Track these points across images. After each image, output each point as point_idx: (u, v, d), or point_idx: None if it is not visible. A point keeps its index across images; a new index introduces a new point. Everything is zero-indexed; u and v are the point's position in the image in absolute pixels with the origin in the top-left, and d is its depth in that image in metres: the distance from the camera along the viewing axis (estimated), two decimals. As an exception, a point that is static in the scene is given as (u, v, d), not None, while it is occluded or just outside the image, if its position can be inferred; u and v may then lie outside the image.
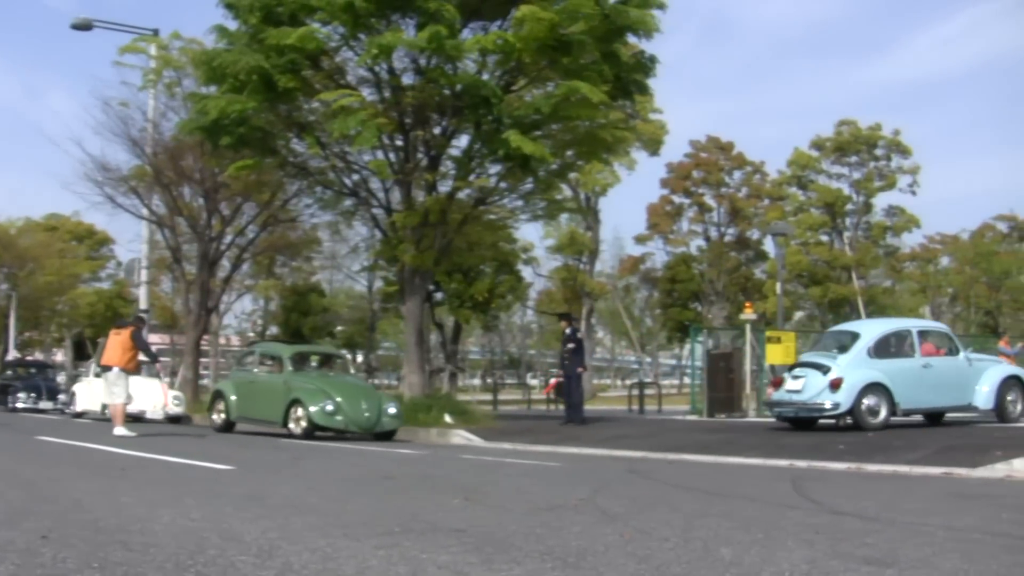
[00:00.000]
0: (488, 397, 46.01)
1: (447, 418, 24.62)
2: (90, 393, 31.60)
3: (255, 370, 25.55)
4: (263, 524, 7.31)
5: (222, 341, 71.02)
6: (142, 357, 22.19)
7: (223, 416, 25.04)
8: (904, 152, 71.75)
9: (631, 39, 26.78)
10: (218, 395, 25.89)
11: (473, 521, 7.73)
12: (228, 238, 41.34)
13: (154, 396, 28.68)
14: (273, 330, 68.56)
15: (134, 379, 23.30)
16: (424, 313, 32.79)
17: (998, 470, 13.03)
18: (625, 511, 8.57)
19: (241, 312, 74.99)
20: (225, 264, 43.90)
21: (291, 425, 22.70)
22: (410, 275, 27.74)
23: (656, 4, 25.59)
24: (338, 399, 22.41)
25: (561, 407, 25.79)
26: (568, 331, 25.80)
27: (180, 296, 47.87)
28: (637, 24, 25.12)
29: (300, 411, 22.50)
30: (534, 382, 71.78)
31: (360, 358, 69.14)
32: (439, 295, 50.16)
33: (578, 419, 24.83)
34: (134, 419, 25.93)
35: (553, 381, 28.38)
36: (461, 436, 22.33)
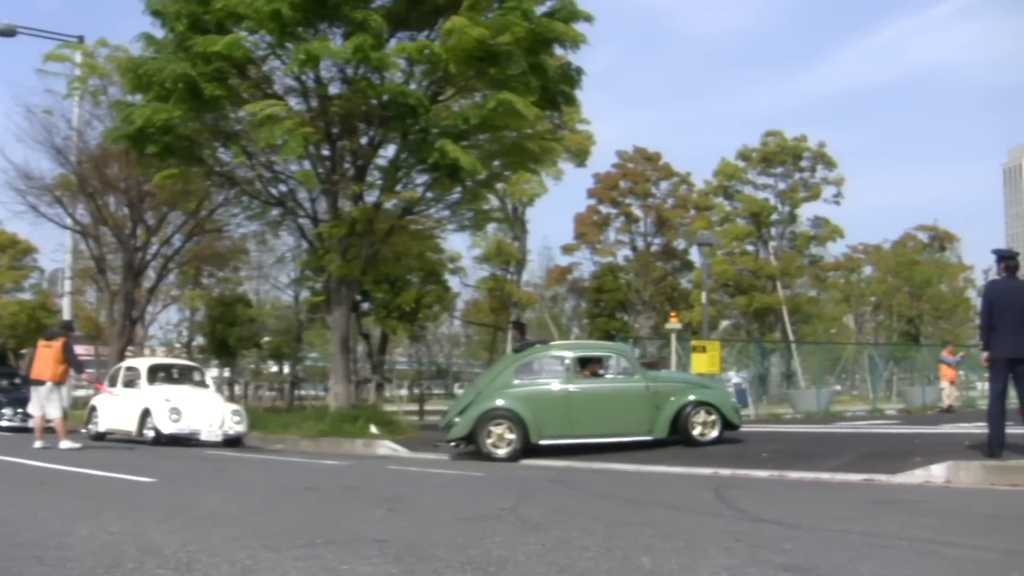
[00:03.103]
0: (415, 408, 45.92)
1: (373, 429, 24.58)
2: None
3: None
4: (183, 536, 7.26)
5: (147, 352, 70.34)
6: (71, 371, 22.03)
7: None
8: (829, 164, 72.45)
9: (558, 51, 26.90)
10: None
11: (396, 532, 7.73)
12: (154, 248, 41.02)
13: (211, 413, 24.71)
14: (199, 341, 67.96)
15: (184, 394, 25.03)
16: (350, 323, 32.66)
17: (917, 476, 13.19)
18: (547, 520, 8.59)
19: (167, 323, 74.27)
20: (150, 274, 43.62)
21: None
22: (336, 285, 27.66)
23: (583, 16, 25.71)
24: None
25: None
26: (519, 342, 25.88)
27: (104, 307, 47.42)
28: (564, 36, 25.23)
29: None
30: (461, 393, 71.81)
31: (287, 369, 68.68)
32: (366, 305, 49.86)
33: None
34: (184, 442, 23.82)
35: None
36: (387, 447, 22.30)
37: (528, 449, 19.02)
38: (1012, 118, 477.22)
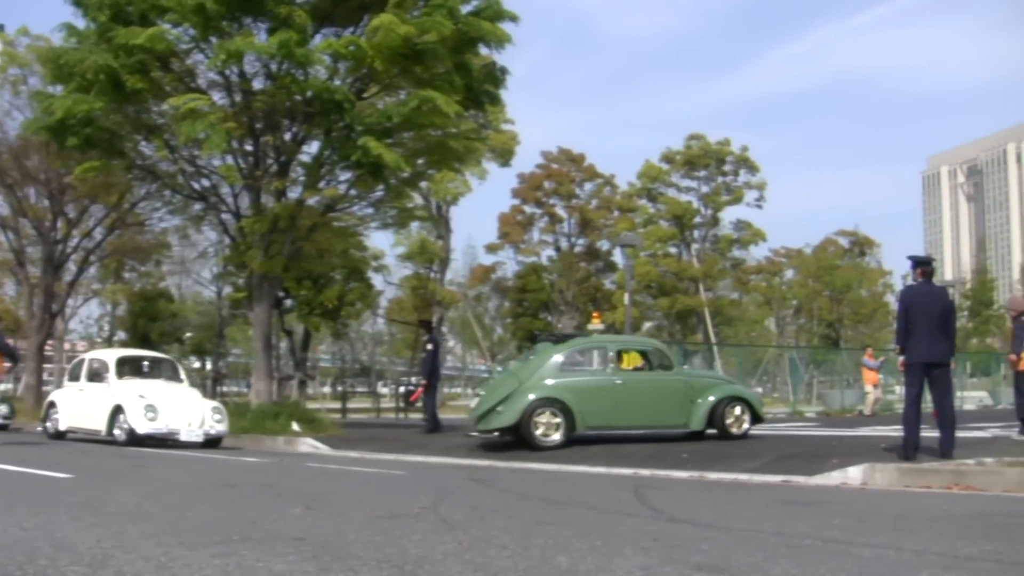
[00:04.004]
0: (338, 405, 45.79)
1: (294, 426, 24.49)
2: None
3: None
4: (98, 533, 7.19)
5: (67, 346, 69.57)
6: (7, 363, 21.43)
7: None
8: (752, 168, 73.24)
9: (483, 50, 26.94)
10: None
11: (313, 529, 7.70)
12: (74, 241, 40.71)
13: (190, 412, 22.83)
14: (121, 335, 67.34)
15: (160, 390, 23.23)
16: (273, 320, 32.52)
17: (834, 478, 13.34)
18: (466, 519, 8.59)
19: (87, 317, 73.58)
20: (71, 267, 43.20)
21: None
22: (258, 281, 27.53)
23: (509, 16, 25.80)
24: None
25: (417, 416, 25.74)
26: (424, 339, 25.88)
27: (24, 300, 46.88)
28: (489, 35, 25.32)
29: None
30: (384, 391, 71.53)
31: (209, 365, 68.24)
32: (288, 302, 49.71)
33: (428, 428, 24.79)
34: (161, 443, 22.09)
35: (419, 389, 28.24)
36: (308, 444, 22.23)
37: (572, 439, 19.22)
38: (931, 127, 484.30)
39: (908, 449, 13.88)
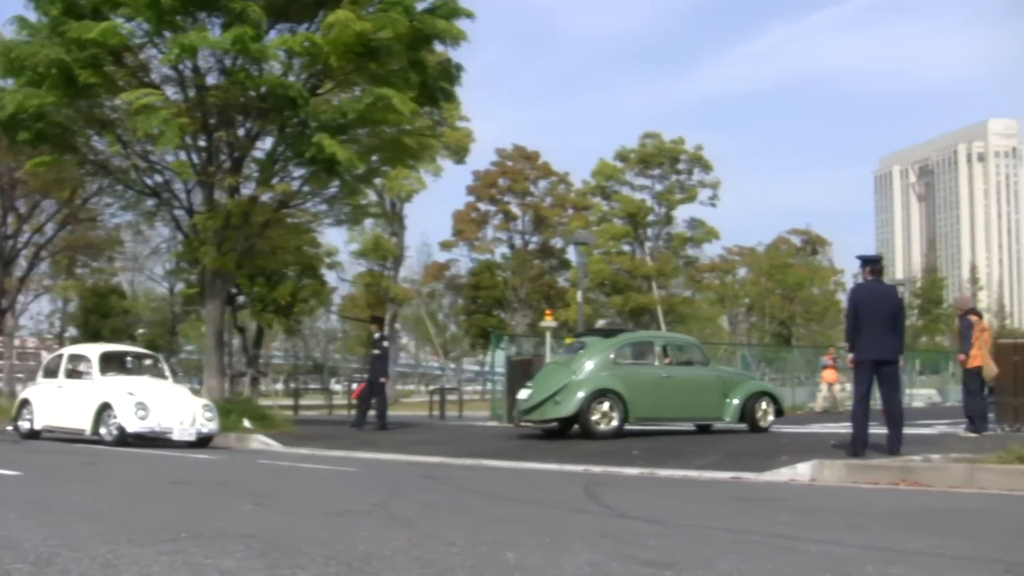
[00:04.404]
0: (290, 402, 45.67)
1: (246, 423, 24.38)
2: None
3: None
4: (45, 531, 7.17)
5: (17, 343, 69.00)
6: None
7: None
8: (705, 167, 73.44)
9: (439, 47, 26.94)
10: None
11: (262, 526, 7.70)
12: (25, 236, 40.38)
13: (181, 409, 21.78)
14: (72, 332, 66.85)
15: (149, 387, 22.14)
16: (226, 317, 32.41)
17: (783, 474, 13.43)
18: (416, 516, 8.62)
19: (38, 313, 72.90)
20: (21, 263, 42.84)
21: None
22: (211, 278, 27.39)
23: (464, 13, 25.82)
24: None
25: (370, 413, 25.61)
26: (376, 336, 25.78)
27: (-28, 296, 46.46)
28: (445, 33, 25.31)
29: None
30: (337, 388, 71.44)
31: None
32: (241, 298, 49.54)
33: (380, 424, 24.76)
34: (152, 442, 20.97)
35: (361, 385, 28.09)
36: (260, 441, 22.15)
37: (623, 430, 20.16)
38: (884, 127, 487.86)
39: (857, 446, 14.00)
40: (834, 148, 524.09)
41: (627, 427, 20.27)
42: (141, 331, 67.69)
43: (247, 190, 27.27)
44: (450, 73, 27.39)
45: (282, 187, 27.37)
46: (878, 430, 14.50)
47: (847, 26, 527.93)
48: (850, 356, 14.60)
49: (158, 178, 28.25)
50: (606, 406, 20.03)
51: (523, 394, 21.83)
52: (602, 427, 19.91)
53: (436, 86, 26.96)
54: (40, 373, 25.51)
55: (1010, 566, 6.08)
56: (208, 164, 26.61)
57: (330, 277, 59.32)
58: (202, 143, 26.78)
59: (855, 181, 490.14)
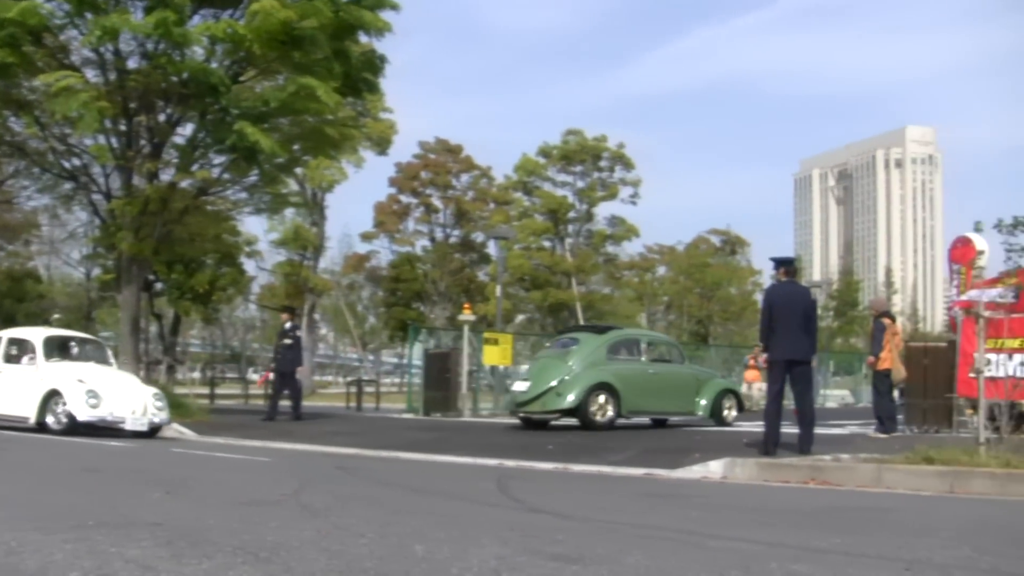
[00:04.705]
0: (207, 391, 45.30)
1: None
2: None
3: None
4: (-53, 517, 7.09)
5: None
6: None
7: None
8: (627, 164, 73.62)
9: (363, 38, 26.87)
10: None
11: (171, 515, 7.65)
12: (-63, 218, 39.70)
13: (133, 398, 20.85)
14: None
15: (98, 374, 21.10)
16: (143, 303, 32.09)
17: (695, 471, 13.53)
18: (327, 507, 8.60)
19: (-51, 296, 71.86)
20: (-67, 245, 42.19)
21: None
22: (128, 264, 27.12)
23: (390, 5, 25.75)
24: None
25: (286, 403, 25.41)
26: (287, 325, 25.60)
27: None
28: (369, 23, 25.25)
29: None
30: (255, 377, 71.04)
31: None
32: (159, 285, 49.04)
33: (294, 415, 24.62)
34: (101, 431, 20.12)
35: (266, 374, 27.83)
36: (174, 429, 21.91)
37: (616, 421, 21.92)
38: (805, 130, 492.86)
39: (768, 444, 14.13)
40: (755, 150, 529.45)
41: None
42: (56, 316, 66.81)
43: (166, 176, 27.02)
44: (374, 64, 27.32)
45: (202, 174, 27.16)
46: (791, 429, 14.65)
47: (772, 29, 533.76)
48: (764, 356, 14.75)
49: (76, 161, 27.93)
50: (602, 399, 21.52)
51: (521, 386, 23.05)
52: (599, 419, 21.38)
53: (359, 77, 26.88)
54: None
55: (910, 564, 6.18)
56: (127, 149, 26.33)
57: (249, 266, 58.85)
58: (122, 127, 26.48)
59: (775, 183, 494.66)
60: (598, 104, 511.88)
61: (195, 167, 26.90)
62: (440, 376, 29.23)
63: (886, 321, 19.29)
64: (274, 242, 62.35)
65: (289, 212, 54.92)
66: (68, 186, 29.75)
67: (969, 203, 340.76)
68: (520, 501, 9.77)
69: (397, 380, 79.79)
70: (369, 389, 39.44)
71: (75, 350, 22.81)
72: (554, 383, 21.68)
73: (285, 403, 25.36)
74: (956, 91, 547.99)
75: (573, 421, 22.09)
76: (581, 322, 69.16)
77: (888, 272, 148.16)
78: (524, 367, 43.43)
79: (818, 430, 15.16)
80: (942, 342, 23.25)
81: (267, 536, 6.65)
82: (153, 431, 20.80)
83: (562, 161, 73.42)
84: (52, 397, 20.44)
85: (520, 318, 77.29)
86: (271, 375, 26.44)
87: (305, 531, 6.97)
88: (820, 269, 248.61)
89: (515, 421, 23.76)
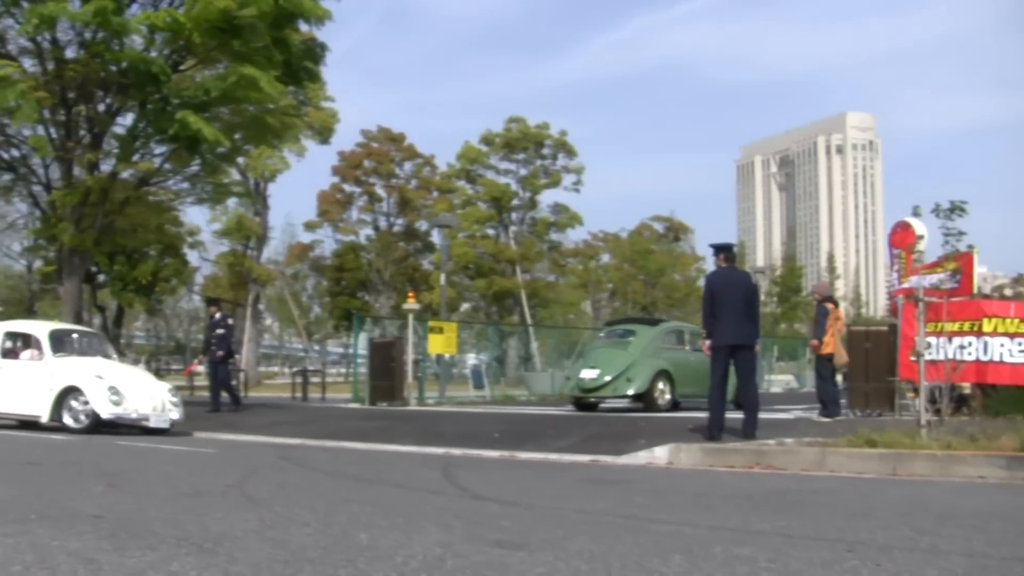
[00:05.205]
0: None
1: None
2: None
3: None
4: None
5: None
6: None
7: None
8: (569, 152, 73.73)
9: (303, 27, 26.78)
10: None
11: (113, 507, 7.61)
12: None
13: (154, 396, 19.89)
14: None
15: (116, 372, 20.15)
16: (85, 295, 31.89)
17: (640, 457, 13.58)
18: (270, 497, 8.59)
19: None
20: None
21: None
22: (69, 255, 26.94)
23: (329, -8, 25.73)
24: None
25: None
26: (217, 316, 25.45)
27: None
28: (309, 12, 25.22)
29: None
30: (200, 369, 70.80)
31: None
32: (101, 277, 48.75)
33: (233, 406, 24.46)
34: (127, 429, 19.30)
35: (195, 364, 27.54)
36: (116, 422, 21.73)
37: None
38: (746, 117, 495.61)
39: (713, 430, 14.20)
40: (697, 137, 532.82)
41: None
42: None
43: (107, 166, 26.89)
44: (314, 53, 27.28)
45: (143, 164, 27.03)
46: (735, 414, 14.73)
47: (710, 15, 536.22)
48: (706, 342, 14.82)
49: (15, 152, 27.74)
50: (662, 384, 24.27)
51: (590, 373, 24.90)
52: (660, 402, 24.06)
53: (300, 65, 26.82)
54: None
55: (852, 545, 6.23)
56: (67, 139, 26.15)
57: (192, 257, 58.58)
58: (60, 118, 26.31)
59: (717, 169, 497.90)
60: (539, 91, 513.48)
61: (136, 157, 26.78)
62: (385, 365, 29.14)
63: (829, 306, 19.43)
64: (217, 232, 62.11)
65: (232, 202, 54.76)
66: (7, 177, 29.52)
67: (909, 188, 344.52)
68: (465, 489, 9.78)
69: (343, 370, 79.69)
70: (315, 379, 39.33)
71: (77, 344, 21.65)
72: (623, 370, 24.09)
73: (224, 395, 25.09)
74: (893, 77, 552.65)
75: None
76: (526, 311, 69.38)
77: (831, 257, 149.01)
78: (468, 355, 43.66)
79: (763, 415, 15.27)
80: (883, 326, 23.43)
81: (211, 527, 6.63)
82: (172, 428, 19.83)
83: (504, 149, 73.40)
84: (69, 394, 19.45)
85: (465, 306, 77.35)
86: (198, 366, 26.08)
87: (249, 521, 6.95)
88: (763, 255, 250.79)
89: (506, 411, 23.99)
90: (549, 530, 6.88)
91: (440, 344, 31.09)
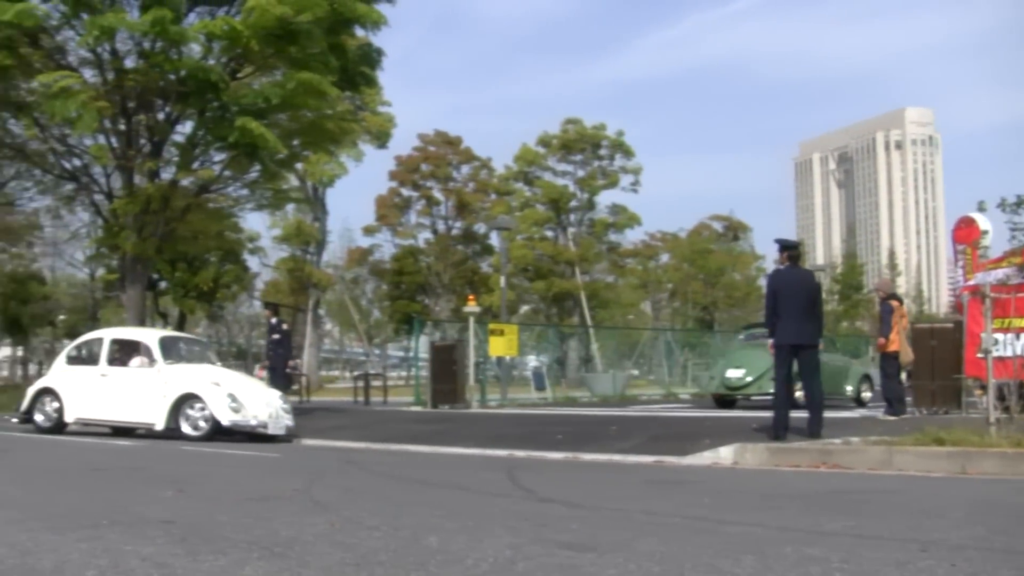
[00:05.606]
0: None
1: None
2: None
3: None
4: (-40, 518, 7.08)
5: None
6: None
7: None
8: (627, 153, 73.44)
9: (359, 32, 26.88)
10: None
11: (183, 512, 7.65)
12: (-60, 221, 39.74)
13: (270, 403, 19.63)
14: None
15: (230, 380, 19.99)
16: (147, 302, 32.15)
17: (705, 458, 13.52)
18: (337, 501, 8.61)
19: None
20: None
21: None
22: (131, 263, 27.16)
23: (385, -2, 25.84)
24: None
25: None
26: (273, 321, 25.58)
27: None
28: (365, 17, 25.30)
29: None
30: (263, 374, 71.14)
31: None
32: (163, 284, 49.13)
33: None
34: (248, 437, 19.00)
35: (259, 371, 27.71)
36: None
37: None
38: (804, 113, 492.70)
39: (778, 429, 14.11)
40: (755, 134, 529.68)
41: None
42: (62, 317, 66.96)
43: (167, 174, 27.08)
44: (371, 58, 27.38)
45: (204, 172, 27.21)
46: (799, 414, 14.63)
47: (767, 12, 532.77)
48: (770, 341, 14.73)
49: (76, 162, 28.02)
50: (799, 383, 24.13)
51: (736, 372, 26.18)
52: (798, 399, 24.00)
53: (356, 71, 26.96)
54: (62, 360, 22.22)
55: (925, 545, 6.17)
56: (127, 148, 26.38)
57: (252, 262, 58.96)
58: (121, 127, 26.56)
59: (776, 167, 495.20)
60: (593, 91, 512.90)
61: (195, 165, 26.96)
62: (446, 368, 29.14)
63: (894, 303, 19.27)
64: (276, 238, 62.48)
65: (290, 208, 55.02)
66: (69, 187, 29.86)
67: (970, 183, 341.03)
68: (530, 491, 9.76)
69: (403, 373, 79.83)
70: (376, 383, 39.41)
71: (186, 350, 21.51)
72: (765, 370, 23.72)
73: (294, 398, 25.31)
74: (952, 70, 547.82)
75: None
76: (586, 312, 69.30)
77: (891, 254, 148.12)
78: (529, 357, 43.73)
79: (827, 413, 15.15)
80: (948, 323, 23.20)
81: (280, 531, 6.65)
82: (289, 436, 19.49)
83: (562, 150, 73.25)
84: (185, 402, 19.22)
85: (524, 308, 77.27)
86: (264, 372, 26.26)
87: (317, 525, 6.96)
88: (823, 253, 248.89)
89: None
90: (617, 532, 6.86)
91: (501, 346, 31.08)
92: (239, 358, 78.88)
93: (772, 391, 23.70)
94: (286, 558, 5.65)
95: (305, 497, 8.81)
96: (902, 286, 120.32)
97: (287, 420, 19.66)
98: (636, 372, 50.59)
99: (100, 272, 57.48)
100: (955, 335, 19.82)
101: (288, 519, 7.27)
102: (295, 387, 25.84)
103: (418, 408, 29.16)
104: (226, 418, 18.65)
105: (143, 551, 5.80)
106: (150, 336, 21.29)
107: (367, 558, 5.67)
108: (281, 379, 25.13)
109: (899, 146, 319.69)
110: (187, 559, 5.58)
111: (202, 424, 18.89)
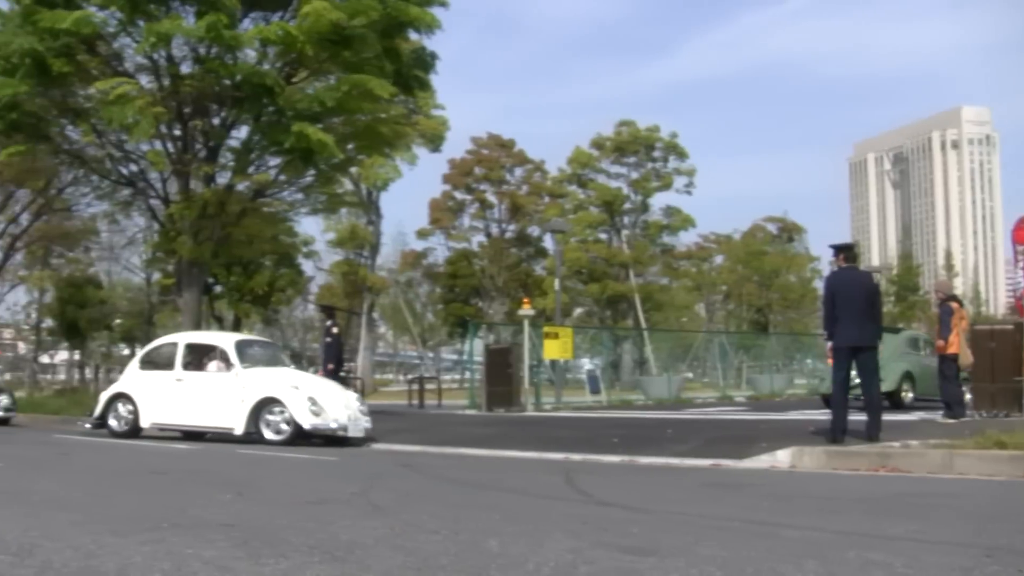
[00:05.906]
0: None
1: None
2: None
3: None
4: (25, 522, 7.12)
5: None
6: None
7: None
8: (680, 154, 73.31)
9: (412, 35, 26.93)
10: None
11: (243, 516, 7.67)
12: (0, 226, 40.11)
13: (349, 406, 19.61)
14: (48, 323, 66.53)
15: (310, 383, 20.08)
16: (203, 306, 32.32)
17: (763, 461, 13.46)
18: (396, 504, 8.61)
19: (14, 304, 72.49)
20: (-3, 253, 42.64)
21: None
22: (187, 268, 27.35)
23: (438, 2, 25.83)
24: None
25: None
26: (328, 323, 25.73)
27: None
28: (418, 20, 25.35)
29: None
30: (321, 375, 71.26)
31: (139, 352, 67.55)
32: (218, 288, 49.38)
33: None
34: (328, 441, 18.96)
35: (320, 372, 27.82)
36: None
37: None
38: (858, 113, 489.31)
39: (836, 432, 14.01)
40: (808, 134, 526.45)
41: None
42: (118, 321, 67.41)
43: (222, 179, 27.27)
44: (424, 61, 27.44)
45: (259, 176, 27.34)
46: (857, 416, 14.53)
47: (819, 12, 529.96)
48: (828, 344, 14.64)
49: (133, 167, 28.24)
50: (906, 384, 26.54)
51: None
52: (904, 400, 26.08)
53: (410, 74, 27.00)
54: (136, 365, 22.31)
55: (990, 550, 6.10)
56: (183, 153, 26.57)
57: (307, 266, 59.10)
58: (177, 132, 26.76)
59: (830, 168, 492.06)
60: (646, 93, 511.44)
61: (251, 169, 27.09)
62: (501, 371, 29.14)
63: (953, 305, 19.08)
64: (331, 242, 62.75)
65: (344, 212, 55.26)
66: (126, 192, 30.09)
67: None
68: (589, 495, 9.74)
69: (458, 376, 79.88)
70: (430, 386, 39.46)
71: (261, 354, 21.70)
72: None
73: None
74: (1009, 68, 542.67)
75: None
76: (640, 314, 69.15)
77: (948, 255, 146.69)
78: (583, 360, 43.64)
79: (885, 416, 15.03)
80: (1008, 324, 22.96)
81: (340, 535, 6.65)
82: (367, 438, 19.45)
83: (615, 153, 73.24)
84: (265, 406, 19.16)
85: (578, 311, 77.22)
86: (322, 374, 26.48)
87: (378, 529, 6.96)
88: (879, 254, 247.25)
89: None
90: (678, 536, 6.83)
91: (555, 349, 31.06)
92: (294, 361, 79.12)
93: (885, 389, 23.90)
94: (347, 562, 5.65)
95: (363, 500, 8.83)
96: (959, 287, 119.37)
97: (365, 423, 19.60)
98: (690, 375, 50.48)
99: (156, 276, 57.84)
100: (1015, 337, 19.63)
101: (347, 523, 7.27)
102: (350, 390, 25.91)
103: (472, 411, 29.19)
104: (307, 422, 18.58)
105: (205, 554, 5.82)
106: (226, 340, 21.37)
107: (428, 562, 5.66)
108: (333, 380, 25.25)
109: (955, 145, 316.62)
110: (249, 562, 5.60)
111: (284, 427, 18.85)
